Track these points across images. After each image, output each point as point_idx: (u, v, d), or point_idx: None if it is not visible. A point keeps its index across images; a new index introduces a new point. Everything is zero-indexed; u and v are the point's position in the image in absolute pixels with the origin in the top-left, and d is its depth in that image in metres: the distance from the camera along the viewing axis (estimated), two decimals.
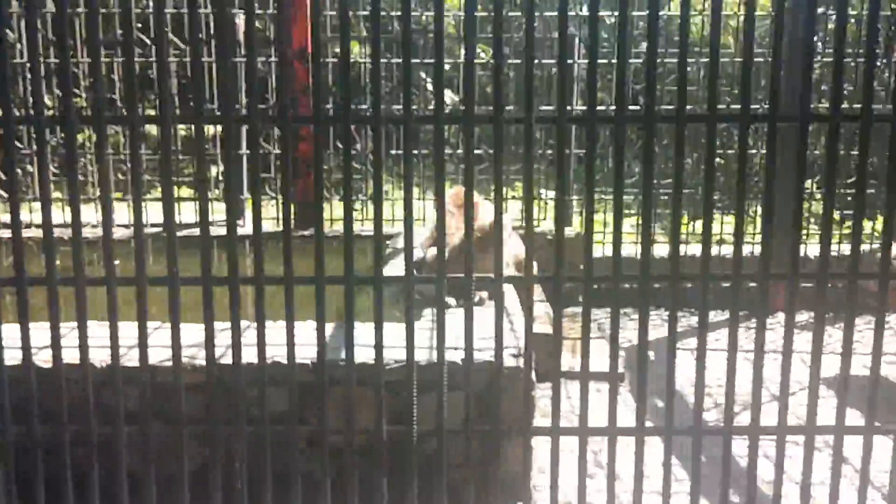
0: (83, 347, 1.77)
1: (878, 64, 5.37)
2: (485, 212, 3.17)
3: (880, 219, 5.83)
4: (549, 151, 5.61)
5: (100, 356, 2.13)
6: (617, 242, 1.79)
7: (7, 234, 4.63)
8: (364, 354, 2.01)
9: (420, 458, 1.81)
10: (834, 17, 2.72)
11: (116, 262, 1.78)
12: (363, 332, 1.90)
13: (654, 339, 4.59)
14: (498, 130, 1.71)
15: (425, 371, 2.09)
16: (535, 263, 3.63)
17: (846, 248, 4.80)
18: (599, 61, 1.92)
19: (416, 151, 5.66)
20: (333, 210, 5.72)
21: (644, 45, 4.97)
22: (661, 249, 5.33)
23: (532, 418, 2.37)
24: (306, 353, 2.07)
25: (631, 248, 5.34)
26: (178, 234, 1.77)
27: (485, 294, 3.06)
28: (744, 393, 2.08)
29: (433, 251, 2.99)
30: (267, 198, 5.83)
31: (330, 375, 1.81)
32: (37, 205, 4.95)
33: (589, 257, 1.82)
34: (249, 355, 1.79)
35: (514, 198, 5.98)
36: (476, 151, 5.70)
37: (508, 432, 1.86)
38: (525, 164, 1.77)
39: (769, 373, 1.97)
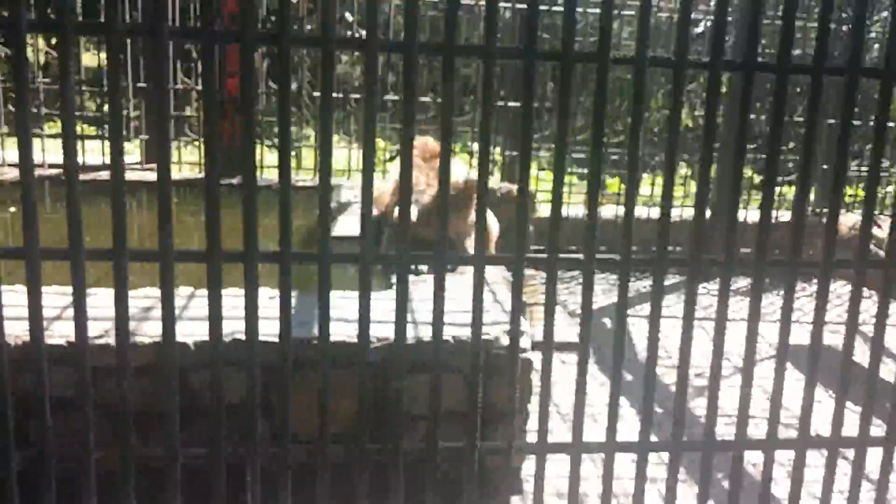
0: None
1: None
2: (454, 167, 2.79)
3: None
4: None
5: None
6: (593, 207, 1.46)
7: None
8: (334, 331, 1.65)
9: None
10: None
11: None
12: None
13: (606, 304, 4.37)
14: (449, 64, 1.34)
15: (410, 351, 1.71)
16: (496, 225, 3.32)
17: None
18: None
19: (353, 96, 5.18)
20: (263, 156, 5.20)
21: None
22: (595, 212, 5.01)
23: (528, 402, 2.05)
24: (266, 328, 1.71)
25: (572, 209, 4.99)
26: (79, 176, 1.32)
27: None
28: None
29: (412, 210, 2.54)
30: (188, 140, 5.25)
31: (297, 357, 1.45)
32: None
33: (555, 230, 1.47)
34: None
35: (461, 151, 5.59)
36: (423, 99, 5.25)
37: (488, 451, 1.51)
38: (484, 108, 1.40)
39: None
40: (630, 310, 3.99)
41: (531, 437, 1.76)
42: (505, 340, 1.89)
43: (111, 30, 1.26)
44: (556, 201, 1.44)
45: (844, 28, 4.98)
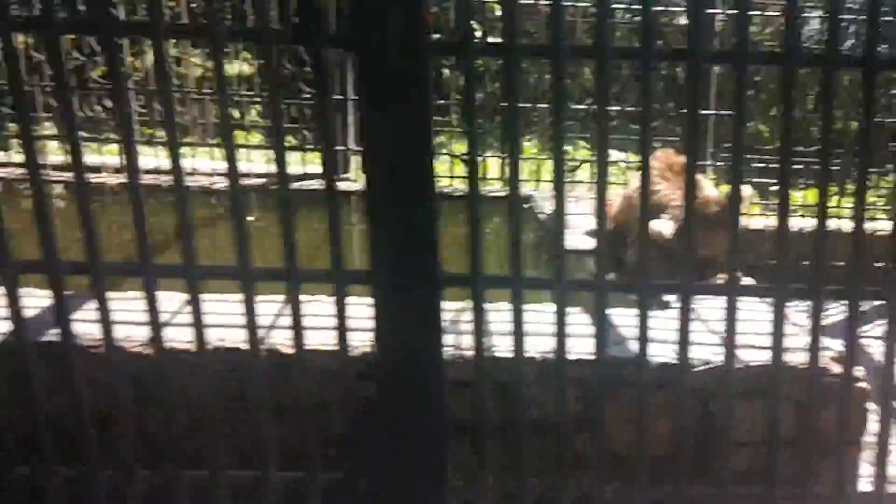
0: None
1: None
2: (704, 180, 2.62)
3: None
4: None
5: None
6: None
7: None
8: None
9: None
10: None
11: None
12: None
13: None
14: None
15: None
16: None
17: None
18: None
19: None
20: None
21: None
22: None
23: (862, 434, 1.88)
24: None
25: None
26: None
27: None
28: None
29: (667, 226, 2.22)
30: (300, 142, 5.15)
31: (616, 375, 1.55)
32: None
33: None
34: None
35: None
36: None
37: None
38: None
39: None
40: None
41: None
42: (835, 367, 1.78)
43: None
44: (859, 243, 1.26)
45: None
